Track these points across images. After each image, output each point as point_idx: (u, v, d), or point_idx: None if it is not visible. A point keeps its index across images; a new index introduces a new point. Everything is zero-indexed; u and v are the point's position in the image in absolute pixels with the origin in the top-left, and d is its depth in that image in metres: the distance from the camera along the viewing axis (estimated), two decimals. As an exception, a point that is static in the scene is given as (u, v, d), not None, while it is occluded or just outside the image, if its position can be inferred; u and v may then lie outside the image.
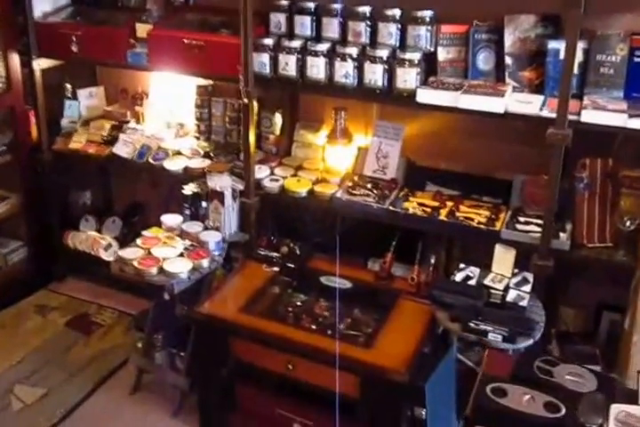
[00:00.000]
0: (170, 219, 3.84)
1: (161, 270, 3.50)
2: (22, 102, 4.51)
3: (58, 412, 3.78)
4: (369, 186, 3.70)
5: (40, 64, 4.38)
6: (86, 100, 4.68)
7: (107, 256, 4.44)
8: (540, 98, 3.18)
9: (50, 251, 4.78)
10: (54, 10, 4.39)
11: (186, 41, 3.77)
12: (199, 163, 4.10)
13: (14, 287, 4.67)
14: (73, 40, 4.11)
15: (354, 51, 3.42)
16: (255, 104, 3.88)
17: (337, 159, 3.89)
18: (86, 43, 4.12)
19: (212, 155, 4.16)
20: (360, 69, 3.43)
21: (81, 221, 4.77)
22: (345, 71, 3.45)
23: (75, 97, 4.66)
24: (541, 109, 3.10)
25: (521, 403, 2.40)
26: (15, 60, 4.37)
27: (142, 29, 4.00)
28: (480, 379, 2.55)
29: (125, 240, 4.25)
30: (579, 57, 3.03)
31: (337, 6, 3.47)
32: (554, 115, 3.01)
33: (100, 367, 4.09)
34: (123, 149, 4.30)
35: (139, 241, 3.71)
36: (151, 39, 3.92)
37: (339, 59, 3.45)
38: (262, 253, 3.79)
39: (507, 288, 3.15)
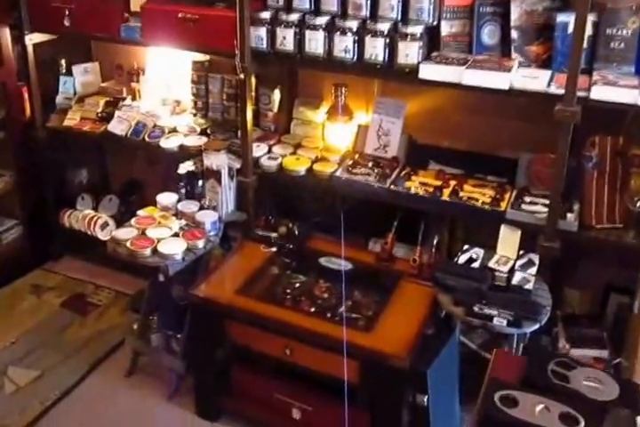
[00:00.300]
0: (165, 198, 3.65)
1: (155, 251, 3.33)
2: (15, 78, 4.32)
3: (52, 394, 3.63)
4: (370, 164, 3.51)
5: (32, 39, 4.17)
6: (81, 76, 4.47)
7: (103, 235, 4.28)
8: (548, 73, 2.98)
9: (45, 230, 4.60)
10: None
11: (180, 15, 3.55)
12: (195, 140, 3.90)
13: (9, 267, 4.49)
14: (65, 14, 3.90)
15: (354, 24, 3.19)
16: (253, 80, 3.70)
17: (337, 137, 3.69)
18: (79, 17, 3.90)
19: (209, 132, 3.97)
20: (360, 44, 3.21)
21: (77, 199, 4.58)
22: (344, 46, 3.23)
23: (70, 73, 4.46)
24: (549, 85, 2.90)
25: (534, 414, 2.05)
26: (6, 34, 4.18)
27: (136, 3, 3.78)
28: (487, 385, 2.23)
29: (122, 219, 4.07)
30: (588, 31, 2.82)
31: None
32: (562, 91, 2.81)
33: (95, 349, 3.93)
34: (118, 127, 4.10)
35: (133, 221, 3.53)
36: (145, 13, 3.70)
37: (338, 33, 3.22)
38: (260, 233, 3.62)
39: (512, 271, 2.97)
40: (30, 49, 4.20)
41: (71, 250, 4.69)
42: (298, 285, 3.32)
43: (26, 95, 4.35)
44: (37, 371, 3.77)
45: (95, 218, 4.35)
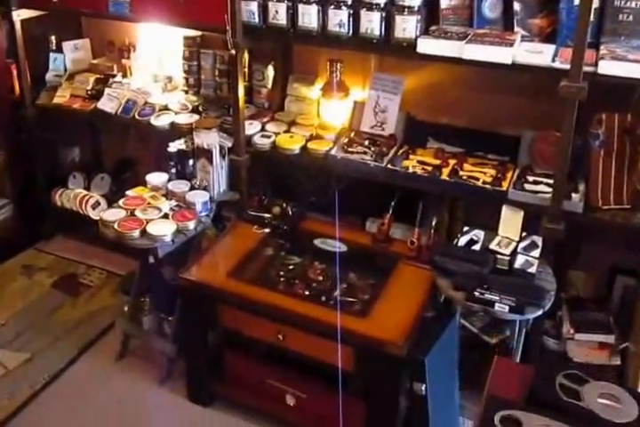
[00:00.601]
0: (155, 178, 3.43)
1: (144, 233, 3.11)
2: (3, 56, 4.08)
3: (41, 378, 3.44)
4: (366, 143, 3.27)
5: (20, 15, 3.92)
6: (71, 52, 4.21)
7: (95, 215, 4.04)
8: (552, 48, 2.74)
9: (37, 209, 4.38)
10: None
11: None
12: (187, 118, 3.65)
13: (0, 247, 4.27)
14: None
15: (349, -5, 2.96)
16: (246, 56, 3.48)
17: (332, 114, 3.44)
18: None
19: (201, 110, 3.72)
20: (355, 18, 2.96)
21: (69, 178, 4.34)
22: (339, 20, 2.98)
23: (60, 50, 4.20)
24: (553, 60, 2.66)
25: (539, 439, 1.77)
26: (-7, 11, 3.92)
27: (125, -24, 3.52)
28: (486, 404, 1.92)
29: (114, 198, 3.82)
30: (595, 2, 2.56)
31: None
32: (567, 66, 2.56)
33: (86, 331, 3.73)
34: (107, 105, 3.86)
35: (121, 202, 3.31)
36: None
37: (332, 6, 2.97)
38: (253, 213, 3.38)
39: (514, 253, 2.75)
40: (18, 25, 3.95)
41: (63, 229, 4.48)
42: (292, 267, 3.10)
43: (15, 73, 4.10)
44: (27, 354, 3.58)
45: (87, 197, 4.12)
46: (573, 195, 2.83)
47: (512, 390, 1.95)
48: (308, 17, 3.04)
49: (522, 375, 2.00)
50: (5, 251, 4.30)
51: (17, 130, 4.18)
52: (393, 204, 3.18)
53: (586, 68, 2.55)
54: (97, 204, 4.09)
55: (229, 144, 3.38)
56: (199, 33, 3.75)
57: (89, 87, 4.00)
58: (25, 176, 4.32)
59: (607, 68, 2.56)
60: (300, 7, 3.04)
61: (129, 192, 3.40)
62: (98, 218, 3.32)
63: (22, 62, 4.05)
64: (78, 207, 4.14)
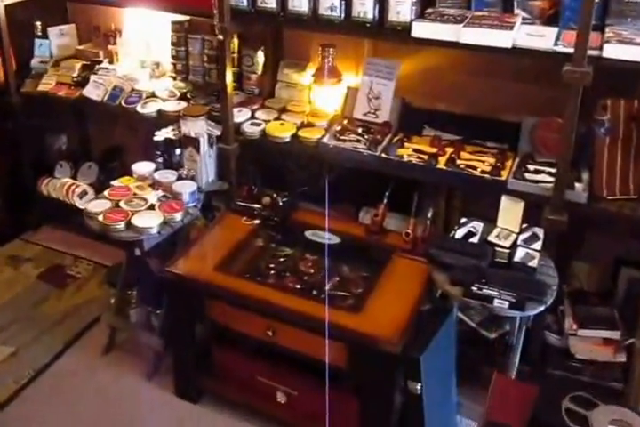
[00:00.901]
0: (141, 167, 3.21)
1: (129, 225, 2.89)
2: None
3: (26, 372, 3.24)
4: (359, 130, 3.05)
5: (5, 1, 3.68)
6: (57, 38, 3.99)
7: (82, 204, 3.81)
8: (554, 31, 2.53)
9: (23, 199, 4.14)
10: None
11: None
12: (174, 106, 3.44)
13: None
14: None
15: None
16: (235, 41, 3.27)
17: (324, 101, 3.23)
18: None
19: (189, 97, 3.50)
20: (348, 0, 2.75)
21: (55, 166, 4.10)
22: (330, 3, 2.77)
23: (45, 36, 3.97)
24: (556, 44, 2.44)
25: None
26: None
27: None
28: None
29: (102, 187, 3.59)
30: (600, -18, 2.37)
31: None
32: (571, 50, 2.36)
33: (72, 324, 3.51)
34: (93, 92, 3.63)
35: (106, 192, 3.09)
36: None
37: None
38: (242, 204, 3.16)
39: (514, 246, 2.54)
40: (2, 10, 3.72)
41: (50, 219, 4.24)
42: (282, 259, 2.89)
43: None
44: (12, 347, 3.37)
45: (73, 186, 3.91)
46: (577, 184, 2.62)
47: (513, 414, 1.73)
48: (299, 0, 2.82)
49: (523, 396, 1.79)
50: (-9, 241, 4.09)
51: (2, 118, 3.94)
52: (387, 194, 2.97)
53: (590, 52, 2.35)
54: (84, 193, 3.87)
55: (218, 132, 3.16)
56: (187, 18, 3.52)
57: (75, 74, 3.78)
58: (10, 165, 4.09)
59: (613, 51, 2.36)
60: (291, -11, 2.82)
61: (114, 182, 3.19)
62: (83, 207, 3.10)
63: (6, 49, 3.82)
64: (65, 197, 3.92)
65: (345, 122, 3.13)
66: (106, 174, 3.98)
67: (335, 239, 2.94)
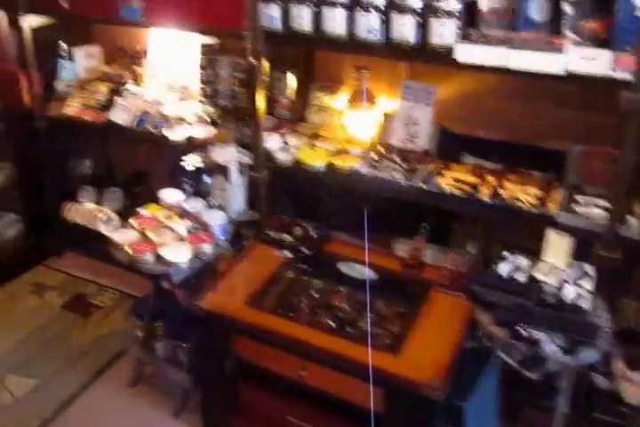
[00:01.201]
0: (169, 195, 3.09)
1: (157, 257, 2.77)
2: (13, 65, 3.75)
3: (50, 406, 3.12)
4: (396, 158, 2.90)
5: (30, 23, 3.62)
6: (82, 59, 3.91)
7: (106, 231, 3.70)
8: (608, 54, 2.35)
9: (47, 224, 4.05)
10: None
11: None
12: (203, 131, 3.31)
13: (9, 263, 3.98)
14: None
15: (379, 0, 2.59)
16: (265, 64, 3.11)
17: (358, 126, 3.08)
18: None
19: (218, 122, 3.38)
20: (387, 22, 2.60)
21: (80, 191, 4.01)
22: (369, 25, 2.62)
23: (70, 57, 3.88)
24: (612, 69, 2.26)
25: None
26: (2, 18, 3.61)
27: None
28: None
29: (127, 213, 3.50)
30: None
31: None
32: (629, 75, 2.19)
33: (97, 356, 3.40)
34: (120, 116, 3.53)
35: (134, 221, 2.97)
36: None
37: (361, 10, 2.62)
38: (272, 234, 3.02)
39: (562, 283, 2.37)
40: (28, 33, 3.65)
41: (74, 245, 4.14)
42: (314, 294, 2.73)
43: (25, 82, 3.78)
44: (36, 380, 3.27)
45: (98, 212, 3.79)
46: (629, 218, 2.46)
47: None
48: (334, 21, 2.69)
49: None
50: (15, 267, 3.99)
51: (27, 142, 3.85)
52: (425, 225, 2.82)
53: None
54: (109, 219, 3.75)
55: (248, 159, 3.04)
56: (216, 40, 3.42)
57: (100, 97, 3.68)
58: (35, 190, 3.99)
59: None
60: (326, 11, 2.68)
61: (141, 210, 3.06)
62: (108, 236, 2.99)
63: (32, 71, 3.74)
64: (89, 222, 3.81)
65: (381, 149, 2.98)
66: (131, 200, 3.88)
67: (371, 273, 2.79)
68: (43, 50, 3.78)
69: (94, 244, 3.78)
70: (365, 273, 2.76)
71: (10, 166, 3.91)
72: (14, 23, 3.65)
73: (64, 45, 3.87)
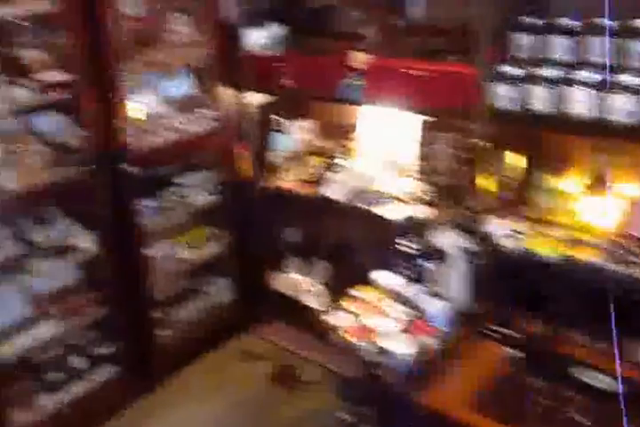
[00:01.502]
0: (384, 278, 2.90)
1: (379, 349, 2.57)
2: (235, 139, 3.80)
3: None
4: (644, 253, 2.53)
5: (254, 99, 3.68)
6: (296, 133, 3.86)
7: (313, 303, 3.61)
8: None
9: (257, 292, 4.01)
10: (263, 40, 3.63)
11: (410, 71, 2.83)
12: (420, 211, 3.11)
13: (219, 328, 3.96)
14: (283, 73, 3.36)
15: (632, 79, 2.28)
16: (489, 144, 2.89)
17: (596, 214, 2.75)
18: (297, 76, 3.39)
19: (435, 202, 3.17)
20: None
21: (286, 261, 3.95)
22: (620, 105, 2.32)
23: (284, 130, 3.86)
24: None
25: None
26: (230, 95, 3.69)
27: (357, 58, 3.10)
28: None
29: (335, 288, 3.39)
30: None
31: (605, 21, 2.34)
32: None
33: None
34: (333, 191, 3.42)
35: (350, 305, 2.81)
36: (369, 70, 3.03)
37: (613, 90, 2.32)
38: (497, 329, 2.73)
39: None
40: (253, 109, 3.73)
41: (281, 315, 4.05)
42: (544, 402, 2.41)
43: (243, 155, 3.83)
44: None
45: (304, 284, 3.71)
46: None
47: None
48: (578, 103, 2.39)
49: None
50: (225, 333, 3.96)
51: (245, 212, 3.88)
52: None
53: None
54: (315, 292, 3.65)
55: (470, 245, 2.80)
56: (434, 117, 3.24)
57: (315, 171, 3.61)
58: (247, 258, 3.99)
59: None
60: (567, 91, 2.40)
61: (354, 292, 2.89)
62: (324, 319, 2.84)
63: (253, 145, 3.79)
64: (295, 293, 3.73)
65: (624, 241, 2.62)
66: (338, 273, 3.76)
67: (613, 383, 2.42)
68: (260, 124, 3.80)
69: (300, 314, 3.73)
70: (607, 381, 2.40)
71: (227, 235, 3.92)
72: (240, 100, 3.71)
73: (280, 119, 3.87)
